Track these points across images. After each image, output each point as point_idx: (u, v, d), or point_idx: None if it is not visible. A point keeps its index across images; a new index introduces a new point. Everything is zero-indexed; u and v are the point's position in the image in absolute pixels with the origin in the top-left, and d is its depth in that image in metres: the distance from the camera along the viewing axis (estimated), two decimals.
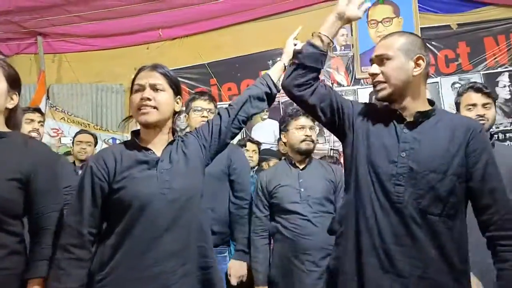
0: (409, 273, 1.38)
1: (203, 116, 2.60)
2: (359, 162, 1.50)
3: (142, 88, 1.55)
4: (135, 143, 1.58)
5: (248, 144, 3.96)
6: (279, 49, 5.02)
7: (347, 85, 4.97)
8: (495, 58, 4.71)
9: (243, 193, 2.57)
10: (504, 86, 4.64)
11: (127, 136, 1.70)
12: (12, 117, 1.56)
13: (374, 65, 1.51)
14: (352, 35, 4.97)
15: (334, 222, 1.60)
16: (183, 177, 1.55)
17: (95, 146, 3.76)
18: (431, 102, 1.55)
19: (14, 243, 1.43)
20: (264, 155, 4.16)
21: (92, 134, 3.78)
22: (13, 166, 1.42)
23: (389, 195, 1.42)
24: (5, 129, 1.51)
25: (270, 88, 1.78)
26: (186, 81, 5.15)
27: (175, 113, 1.64)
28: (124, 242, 1.47)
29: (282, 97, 5.03)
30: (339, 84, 4.99)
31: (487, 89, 2.25)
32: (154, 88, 1.55)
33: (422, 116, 1.47)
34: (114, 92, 5.10)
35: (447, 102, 4.74)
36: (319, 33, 1.58)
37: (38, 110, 2.72)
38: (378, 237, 1.41)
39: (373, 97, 1.62)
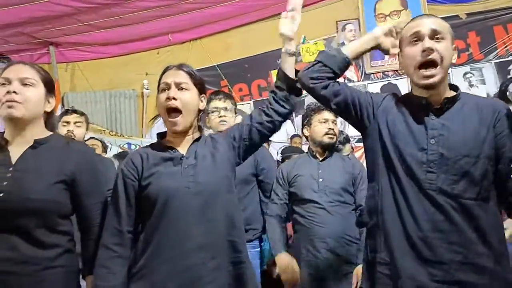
0: (450, 259, 1.37)
1: (220, 116, 2.63)
2: (385, 152, 1.48)
3: (168, 87, 1.56)
4: (160, 143, 1.62)
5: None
6: None
7: (357, 81, 4.98)
8: (505, 47, 4.68)
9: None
10: None
11: (142, 141, 1.75)
12: (50, 119, 1.62)
13: (430, 40, 1.39)
14: (360, 30, 4.97)
15: (363, 214, 1.59)
16: (208, 171, 1.56)
17: (103, 151, 3.82)
18: (454, 87, 1.51)
19: (66, 242, 1.49)
20: (286, 153, 4.20)
21: (100, 140, 3.84)
22: (57, 169, 1.48)
23: (421, 182, 1.41)
24: (46, 133, 1.56)
25: (287, 80, 1.77)
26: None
27: (200, 111, 1.65)
28: (154, 236, 1.50)
29: None
30: (349, 80, 5.00)
31: None
32: (179, 86, 1.57)
33: (449, 102, 1.44)
34: (127, 97, 5.17)
35: None
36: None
37: (75, 111, 2.74)
38: (414, 225, 1.40)
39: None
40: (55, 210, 1.47)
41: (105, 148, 3.90)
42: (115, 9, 4.08)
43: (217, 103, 2.67)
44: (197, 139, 1.62)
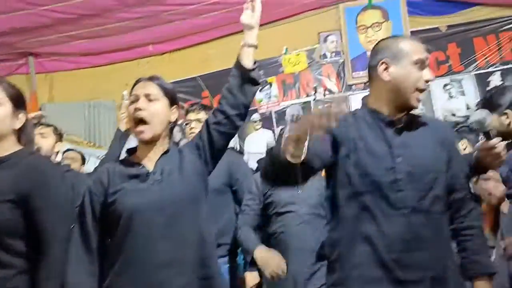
0: (424, 276, 1.38)
1: (192, 128, 2.61)
2: (349, 179, 1.46)
3: (136, 99, 1.58)
4: (128, 159, 1.63)
5: None
6: (267, 59, 5.05)
7: (339, 92, 4.97)
8: (485, 58, 4.72)
9: None
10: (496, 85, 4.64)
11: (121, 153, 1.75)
12: (22, 134, 1.60)
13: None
14: (342, 41, 4.98)
15: (325, 247, 1.59)
16: (175, 186, 1.56)
17: (82, 163, 3.77)
18: None
19: (20, 263, 1.45)
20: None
21: (79, 152, 3.81)
22: (8, 187, 1.45)
23: (392, 202, 1.41)
24: (13, 149, 1.54)
25: (241, 69, 1.71)
26: (178, 95, 5.08)
27: (172, 123, 1.66)
28: (120, 254, 1.50)
29: (274, 107, 5.05)
30: (330, 91, 4.99)
31: None
32: (148, 97, 1.58)
33: (410, 121, 1.50)
34: (107, 108, 5.11)
35: (440, 104, 4.74)
36: None
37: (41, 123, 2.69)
38: (386, 248, 1.39)
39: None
40: (6, 229, 1.43)
41: (84, 160, 3.87)
42: (95, 20, 4.04)
43: (191, 115, 2.66)
44: (165, 153, 1.60)
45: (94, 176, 1.64)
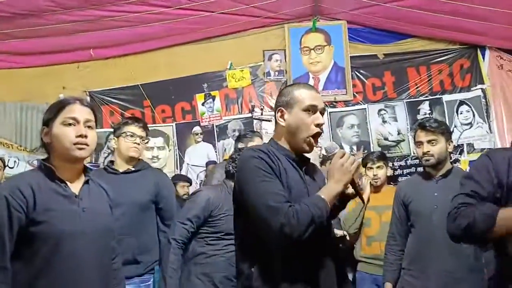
0: None
1: (135, 143, 2.59)
2: None
3: (77, 123, 1.58)
4: (51, 174, 1.56)
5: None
6: (214, 72, 5.08)
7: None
8: (417, 88, 5.02)
9: (172, 221, 2.55)
10: (425, 114, 4.95)
11: None
12: None
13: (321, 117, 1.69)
14: (285, 61, 5.10)
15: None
16: (102, 217, 1.61)
17: (3, 168, 3.62)
18: None
19: None
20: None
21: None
22: None
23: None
24: None
25: None
26: (119, 102, 5.04)
27: None
28: (40, 280, 1.44)
29: (216, 121, 5.06)
30: (272, 109, 5.07)
31: (433, 124, 2.54)
32: (87, 125, 1.60)
33: (308, 161, 1.75)
34: (41, 111, 4.87)
35: (374, 128, 4.98)
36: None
37: None
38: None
39: None
40: None
41: (4, 165, 3.73)
42: (33, 20, 3.87)
43: (136, 129, 2.66)
44: (87, 181, 1.65)
45: (12, 188, 1.51)
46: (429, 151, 2.49)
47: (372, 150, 4.93)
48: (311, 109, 1.64)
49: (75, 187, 1.60)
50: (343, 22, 5.01)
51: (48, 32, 4.05)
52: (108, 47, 4.71)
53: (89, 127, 1.61)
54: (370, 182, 3.35)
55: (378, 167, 3.37)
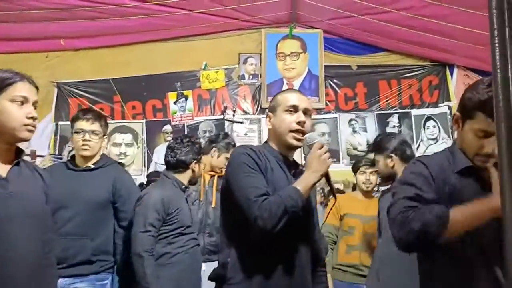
0: None
1: (85, 140, 2.43)
2: None
3: (26, 101, 1.52)
4: None
5: None
6: (186, 71, 5.02)
7: (253, 113, 5.07)
8: (387, 100, 5.13)
9: (127, 222, 2.46)
10: (394, 127, 5.06)
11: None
12: None
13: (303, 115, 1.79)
14: (260, 65, 5.10)
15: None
16: (32, 202, 1.55)
17: None
18: None
19: None
20: (153, 176, 4.02)
21: None
22: None
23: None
24: None
25: None
26: (88, 95, 4.91)
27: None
28: None
29: (187, 120, 5.00)
30: (245, 112, 5.08)
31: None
32: (35, 106, 1.56)
33: (297, 165, 1.88)
34: None
35: (344, 137, 5.05)
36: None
37: None
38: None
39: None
40: None
41: None
42: (2, 4, 3.71)
43: (83, 124, 2.46)
44: (17, 163, 1.58)
45: None
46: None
47: (341, 159, 5.02)
48: (292, 109, 1.76)
49: (4, 169, 1.52)
50: (319, 31, 5.06)
51: (17, 18, 3.89)
52: (80, 38, 4.58)
53: (35, 108, 1.56)
54: (360, 186, 3.40)
55: (371, 172, 3.39)
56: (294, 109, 1.76)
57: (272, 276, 1.62)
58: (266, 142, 1.87)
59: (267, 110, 1.89)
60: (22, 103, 1.50)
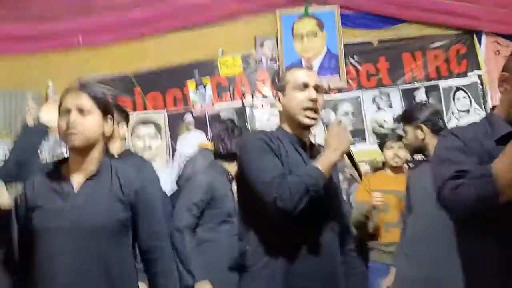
0: None
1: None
2: None
3: (67, 111, 1.52)
4: (56, 171, 1.57)
5: None
6: (203, 59, 5.00)
7: (273, 97, 4.99)
8: (412, 74, 4.92)
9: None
10: (421, 101, 4.84)
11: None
12: None
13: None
14: (278, 48, 5.02)
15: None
16: (95, 213, 1.50)
17: None
18: None
19: None
20: None
21: None
22: None
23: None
24: None
25: None
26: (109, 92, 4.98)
27: (107, 136, 1.61)
28: (29, 271, 1.46)
29: (208, 109, 4.99)
30: (265, 96, 5.01)
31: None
32: (80, 111, 1.52)
33: (313, 145, 1.82)
34: (30, 99, 4.82)
35: (369, 115, 4.88)
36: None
37: None
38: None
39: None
40: None
41: None
42: (13, 3, 3.82)
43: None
44: (96, 174, 1.56)
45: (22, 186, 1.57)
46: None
47: (367, 138, 4.86)
48: (302, 87, 1.70)
49: (79, 181, 1.55)
50: (335, 6, 4.90)
51: (34, 17, 3.99)
52: (97, 33, 4.64)
53: (81, 112, 1.53)
54: (389, 162, 3.27)
55: (399, 147, 3.25)
56: (305, 86, 1.70)
57: (295, 261, 1.55)
58: (279, 126, 1.81)
59: (276, 91, 1.82)
60: (66, 113, 1.56)
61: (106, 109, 1.59)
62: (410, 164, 3.57)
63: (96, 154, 1.57)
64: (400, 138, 3.33)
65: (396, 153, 3.24)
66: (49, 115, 1.85)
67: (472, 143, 1.33)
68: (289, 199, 1.45)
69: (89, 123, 1.53)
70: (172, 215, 2.46)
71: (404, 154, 3.25)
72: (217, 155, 2.69)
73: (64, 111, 1.52)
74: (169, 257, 1.70)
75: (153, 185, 2.30)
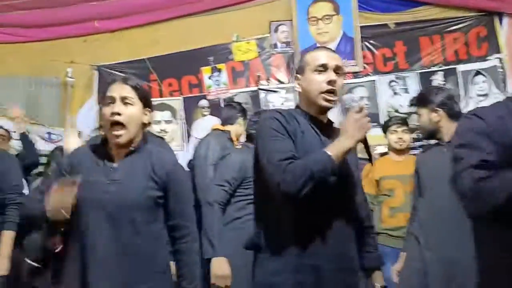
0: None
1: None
2: None
3: (113, 101, 1.61)
4: (102, 146, 1.69)
5: None
6: (218, 45, 5.01)
7: (288, 82, 4.98)
8: (430, 58, 4.82)
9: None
10: (438, 85, 4.74)
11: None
12: None
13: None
14: (292, 32, 4.98)
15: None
16: (131, 190, 1.61)
17: (9, 140, 3.79)
18: None
19: None
20: None
21: (6, 129, 3.81)
22: None
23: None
24: None
25: None
26: (126, 76, 5.04)
27: (145, 125, 1.71)
28: (73, 240, 1.61)
29: (223, 94, 5.02)
30: (280, 81, 5.00)
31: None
32: (124, 101, 1.61)
33: (331, 126, 1.76)
34: (50, 85, 4.96)
35: (384, 100, 4.82)
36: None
37: None
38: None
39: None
40: None
41: (9, 137, 3.93)
42: None
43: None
44: (134, 151, 1.66)
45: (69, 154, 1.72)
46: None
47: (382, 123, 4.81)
48: (322, 69, 1.65)
49: (119, 158, 1.67)
50: None
51: (50, 3, 4.07)
52: (113, 19, 4.71)
53: (126, 103, 1.62)
54: (393, 145, 3.27)
55: (403, 130, 3.25)
56: (324, 68, 1.64)
57: (308, 242, 1.55)
58: (297, 106, 1.79)
59: (295, 73, 1.79)
60: (110, 103, 1.63)
61: (146, 101, 1.69)
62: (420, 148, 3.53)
63: (136, 142, 1.70)
64: (404, 122, 3.30)
65: (400, 137, 3.22)
66: (73, 144, 2.03)
67: (496, 124, 1.28)
68: (292, 183, 1.46)
69: (132, 112, 1.62)
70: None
71: (408, 137, 3.24)
72: (249, 138, 2.72)
73: (108, 101, 1.62)
74: (194, 237, 1.77)
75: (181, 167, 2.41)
